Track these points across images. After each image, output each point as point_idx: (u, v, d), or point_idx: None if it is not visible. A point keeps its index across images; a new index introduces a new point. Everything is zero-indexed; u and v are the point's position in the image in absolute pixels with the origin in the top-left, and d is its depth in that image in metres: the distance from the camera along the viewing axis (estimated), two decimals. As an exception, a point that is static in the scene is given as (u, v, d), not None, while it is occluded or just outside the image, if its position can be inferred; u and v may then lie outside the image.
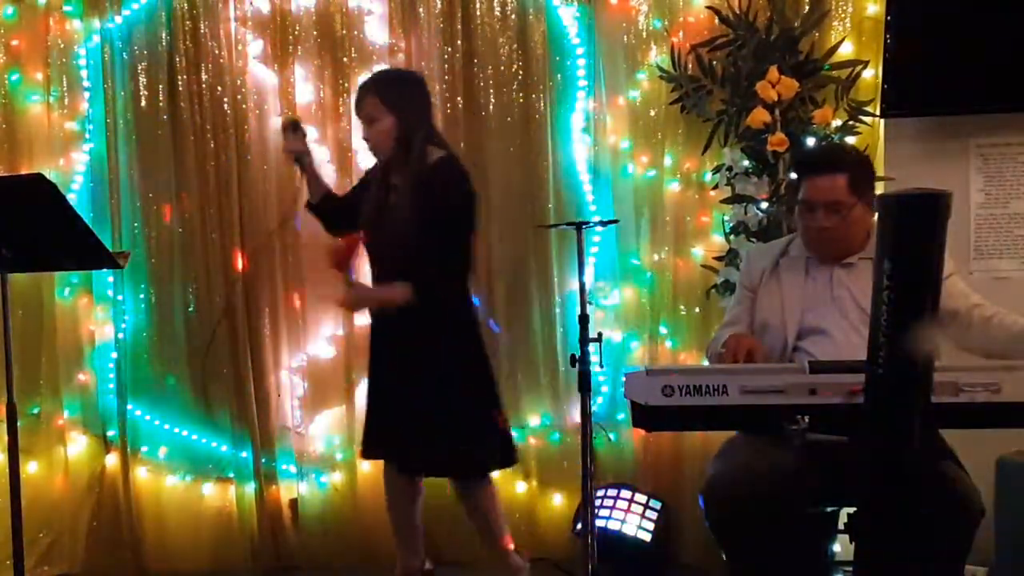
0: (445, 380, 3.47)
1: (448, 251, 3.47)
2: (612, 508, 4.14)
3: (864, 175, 3.11)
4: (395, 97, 3.52)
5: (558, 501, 4.44)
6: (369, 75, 4.01)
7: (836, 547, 3.26)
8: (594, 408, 3.69)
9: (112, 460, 4.49)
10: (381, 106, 3.50)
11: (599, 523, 3.97)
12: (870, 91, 4.09)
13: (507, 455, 3.66)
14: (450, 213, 3.45)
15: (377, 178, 3.61)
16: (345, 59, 4.41)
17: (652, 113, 4.35)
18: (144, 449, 4.48)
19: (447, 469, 3.63)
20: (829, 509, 3.11)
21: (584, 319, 3.36)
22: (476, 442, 3.54)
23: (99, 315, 4.50)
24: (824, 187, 3.04)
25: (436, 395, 3.45)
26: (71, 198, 4.26)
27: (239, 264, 4.42)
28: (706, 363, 3.43)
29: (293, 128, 3.71)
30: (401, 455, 3.59)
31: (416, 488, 3.74)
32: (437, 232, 3.40)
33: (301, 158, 3.71)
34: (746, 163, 4.08)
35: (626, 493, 4.18)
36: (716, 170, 4.20)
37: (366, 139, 3.58)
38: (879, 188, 3.33)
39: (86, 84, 4.45)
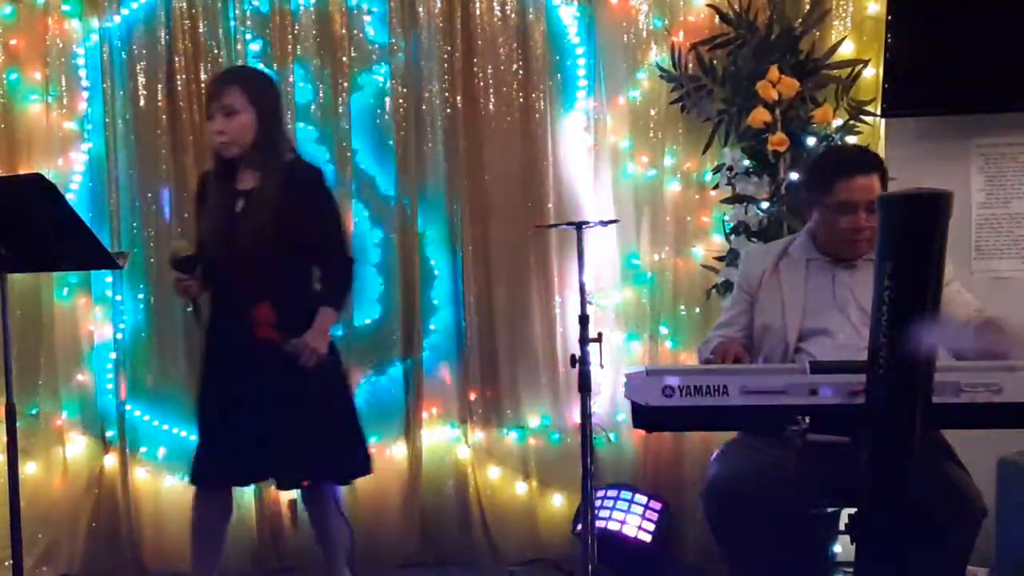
0: (322, 388, 3.38)
1: (340, 250, 3.48)
2: (612, 509, 4.13)
3: (886, 175, 3.15)
4: (258, 93, 3.42)
5: (558, 502, 4.43)
6: (227, 68, 4.01)
7: (837, 548, 3.25)
8: (594, 408, 3.68)
9: (111, 461, 4.48)
10: (244, 99, 3.38)
11: (599, 524, 3.96)
12: (871, 90, 4.09)
13: (368, 463, 3.61)
14: (329, 214, 3.45)
15: (215, 187, 3.46)
16: (345, 59, 4.40)
17: (652, 113, 4.34)
18: (143, 450, 4.47)
19: (321, 475, 3.49)
20: (830, 510, 3.10)
21: (584, 319, 3.35)
22: (350, 447, 3.51)
23: (98, 315, 4.49)
24: (865, 187, 3.05)
25: (314, 405, 3.35)
26: (70, 198, 4.24)
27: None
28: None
29: (185, 264, 3.39)
30: (273, 472, 3.46)
31: (232, 508, 3.63)
32: (322, 235, 3.40)
33: (194, 297, 3.43)
34: (746, 163, 4.07)
35: (626, 494, 4.17)
36: (716, 170, 4.20)
37: (221, 131, 3.38)
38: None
39: (85, 84, 4.44)
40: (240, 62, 4.37)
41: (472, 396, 4.46)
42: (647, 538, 4.09)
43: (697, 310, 4.30)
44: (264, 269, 3.32)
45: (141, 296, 4.46)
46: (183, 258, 3.38)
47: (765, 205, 4.03)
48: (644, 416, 2.52)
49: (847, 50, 4.13)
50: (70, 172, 4.44)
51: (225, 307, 3.46)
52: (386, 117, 4.44)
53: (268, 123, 3.42)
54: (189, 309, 3.45)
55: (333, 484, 3.56)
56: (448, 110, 4.40)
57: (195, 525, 3.56)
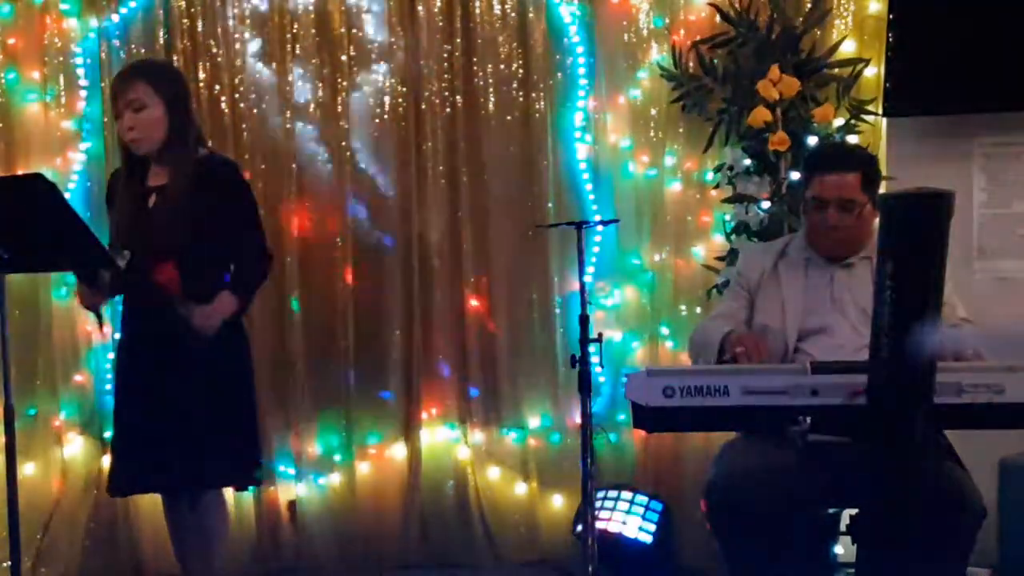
0: (227, 384, 3.34)
1: (260, 245, 3.43)
2: (612, 510, 4.11)
3: (874, 174, 3.12)
4: (166, 86, 3.34)
5: (558, 503, 4.42)
6: (131, 63, 3.92)
7: (838, 549, 3.25)
8: (594, 409, 3.68)
9: (109, 461, 4.46)
10: (153, 93, 3.28)
11: (599, 525, 3.94)
12: (872, 90, 4.08)
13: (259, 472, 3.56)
14: (246, 209, 3.40)
15: (125, 185, 3.38)
16: (344, 57, 4.39)
17: (653, 112, 4.33)
18: (142, 450, 4.45)
19: (216, 479, 3.41)
20: (831, 511, 3.10)
21: (584, 319, 3.34)
22: (253, 448, 3.46)
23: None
24: (836, 184, 3.03)
25: (208, 399, 3.28)
26: (67, 197, 4.24)
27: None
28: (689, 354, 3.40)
29: (89, 277, 3.31)
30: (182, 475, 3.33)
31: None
32: (239, 230, 3.35)
33: (96, 306, 3.39)
34: (747, 162, 4.07)
35: (626, 494, 4.16)
36: (717, 169, 4.19)
37: (130, 128, 3.28)
38: (881, 188, 3.31)
39: (83, 83, 4.42)
40: (239, 61, 4.37)
41: (472, 396, 4.44)
42: (647, 539, 4.07)
43: (698, 310, 4.28)
44: (182, 265, 3.27)
45: (140, 296, 4.45)
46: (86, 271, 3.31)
47: (766, 205, 4.02)
48: (644, 416, 2.51)
49: (848, 49, 4.12)
50: (68, 171, 4.42)
51: (136, 303, 3.40)
52: (385, 117, 4.43)
53: (178, 116, 3.34)
54: (93, 316, 3.40)
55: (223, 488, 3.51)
56: (448, 109, 4.38)
57: (171, 530, 3.56)
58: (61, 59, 4.41)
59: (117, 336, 3.72)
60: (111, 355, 4.40)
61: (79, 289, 3.38)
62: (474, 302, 4.42)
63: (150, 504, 4.43)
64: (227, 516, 3.64)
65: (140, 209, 3.34)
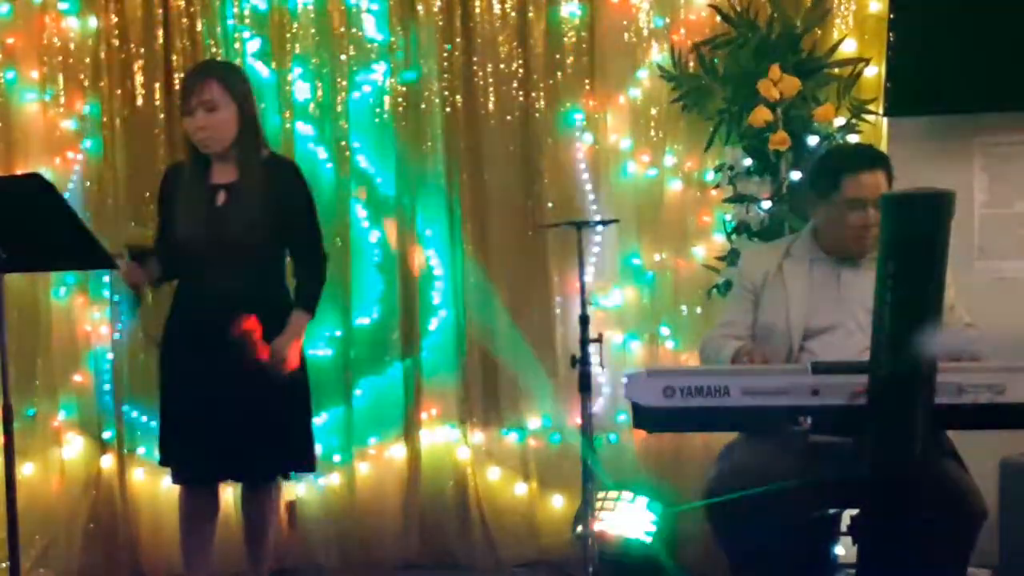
0: (285, 396, 3.40)
1: (320, 247, 3.51)
2: (613, 510, 4.11)
3: (892, 172, 3.13)
4: (238, 87, 3.41)
5: (558, 503, 4.41)
6: (202, 62, 3.99)
7: (839, 549, 3.24)
8: (594, 409, 3.68)
9: (108, 462, 4.46)
10: (226, 94, 3.35)
11: (599, 525, 3.94)
12: (872, 89, 4.07)
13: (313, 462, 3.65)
14: (311, 210, 3.47)
15: (190, 182, 3.42)
16: (344, 57, 4.38)
17: (653, 112, 4.32)
18: (141, 451, 4.44)
19: (279, 469, 3.54)
20: (832, 511, 3.09)
21: (584, 319, 3.35)
22: (309, 439, 3.55)
23: (95, 316, 4.47)
24: (873, 183, 3.05)
25: (285, 396, 3.38)
26: (67, 197, 4.24)
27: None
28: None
29: (143, 255, 3.37)
30: (247, 467, 3.45)
31: (219, 505, 3.63)
32: (306, 230, 3.44)
33: (140, 286, 3.43)
34: (748, 162, 4.06)
35: (627, 495, 4.15)
36: (717, 169, 4.18)
37: (201, 128, 3.35)
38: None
39: (83, 83, 4.42)
40: (238, 61, 4.36)
41: (472, 397, 4.43)
42: (647, 539, 4.07)
43: (698, 310, 4.28)
44: (252, 262, 3.32)
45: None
46: (141, 249, 3.35)
47: (766, 204, 4.02)
48: (645, 417, 2.51)
49: (849, 49, 4.12)
50: (67, 171, 4.42)
51: (202, 299, 3.40)
52: (385, 116, 4.42)
53: (248, 117, 3.41)
54: (116, 299, 3.41)
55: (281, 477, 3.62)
56: (448, 109, 4.38)
57: (183, 524, 3.58)
58: (60, 58, 4.41)
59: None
60: (110, 355, 4.41)
61: (127, 266, 3.39)
62: (474, 302, 4.41)
63: (148, 505, 4.44)
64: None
65: (208, 206, 3.37)
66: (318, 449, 4.39)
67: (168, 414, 3.49)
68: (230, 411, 3.30)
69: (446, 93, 4.38)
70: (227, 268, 3.31)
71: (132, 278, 3.40)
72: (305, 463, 3.59)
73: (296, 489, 4.42)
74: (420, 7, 4.36)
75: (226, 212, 3.36)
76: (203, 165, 3.43)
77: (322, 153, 4.42)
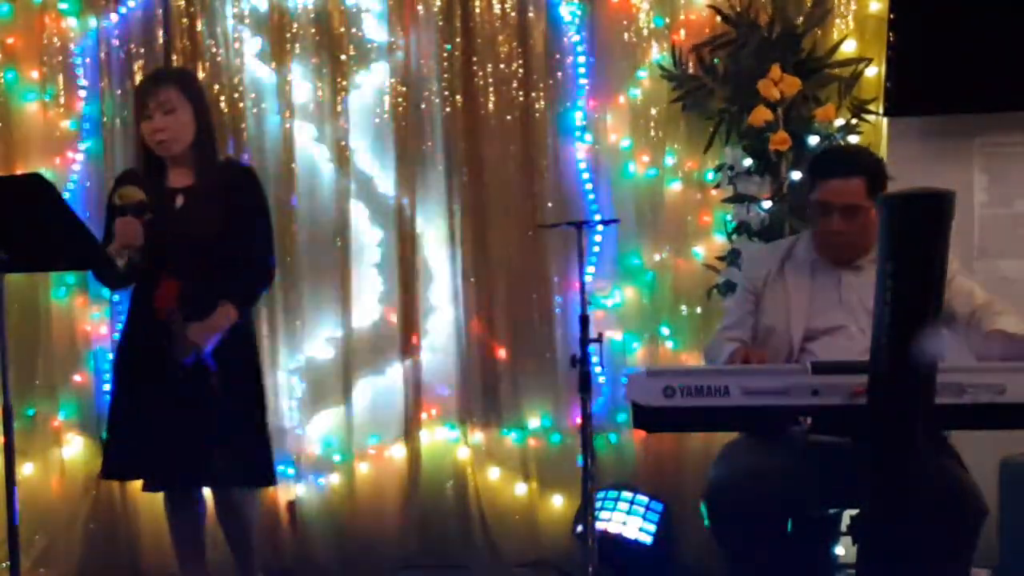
0: (245, 385, 3.42)
1: (269, 252, 3.49)
2: (613, 510, 4.11)
3: (880, 178, 3.08)
4: (193, 91, 3.45)
5: (558, 503, 4.41)
6: (157, 68, 4.07)
7: (839, 550, 3.24)
8: (594, 409, 3.67)
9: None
10: (182, 97, 3.36)
11: (599, 525, 3.94)
12: (873, 89, 4.07)
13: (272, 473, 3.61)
14: (263, 216, 3.48)
15: (145, 186, 3.35)
16: (343, 57, 4.38)
17: (653, 112, 4.32)
18: (141, 450, 4.44)
19: (240, 478, 3.47)
20: (832, 511, 3.09)
21: (584, 319, 3.34)
22: (266, 448, 3.52)
23: (95, 316, 4.47)
24: (841, 190, 3.01)
25: (237, 403, 3.36)
26: (66, 197, 4.24)
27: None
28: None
29: (139, 209, 3.30)
30: (195, 475, 3.42)
31: (198, 508, 3.59)
32: (254, 234, 3.41)
33: (131, 247, 3.30)
34: (748, 162, 4.06)
35: (627, 495, 4.15)
36: (718, 169, 4.18)
37: (160, 129, 3.33)
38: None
39: (82, 83, 4.42)
40: (238, 61, 4.36)
41: (471, 397, 4.43)
42: (648, 539, 4.07)
43: (698, 310, 4.28)
44: (210, 264, 3.31)
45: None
46: (136, 203, 3.28)
47: (767, 205, 4.02)
48: (645, 417, 2.51)
49: (849, 49, 4.12)
50: (67, 171, 4.42)
51: (149, 302, 3.35)
52: (385, 116, 4.42)
53: (205, 120, 3.43)
54: (121, 263, 3.30)
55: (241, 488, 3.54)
56: (447, 109, 4.38)
57: (171, 529, 3.58)
58: (60, 59, 4.41)
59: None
60: (111, 355, 4.41)
61: (123, 221, 3.29)
62: (474, 302, 4.40)
63: (149, 504, 4.42)
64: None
65: (167, 208, 3.37)
66: (317, 449, 4.45)
67: (115, 420, 3.48)
68: (178, 417, 3.28)
69: (446, 93, 4.37)
70: (185, 271, 3.28)
71: (128, 235, 3.28)
72: (258, 475, 3.53)
73: (296, 489, 4.42)
74: (420, 7, 4.36)
75: (185, 214, 3.37)
76: (158, 169, 3.43)
77: (322, 153, 4.41)
